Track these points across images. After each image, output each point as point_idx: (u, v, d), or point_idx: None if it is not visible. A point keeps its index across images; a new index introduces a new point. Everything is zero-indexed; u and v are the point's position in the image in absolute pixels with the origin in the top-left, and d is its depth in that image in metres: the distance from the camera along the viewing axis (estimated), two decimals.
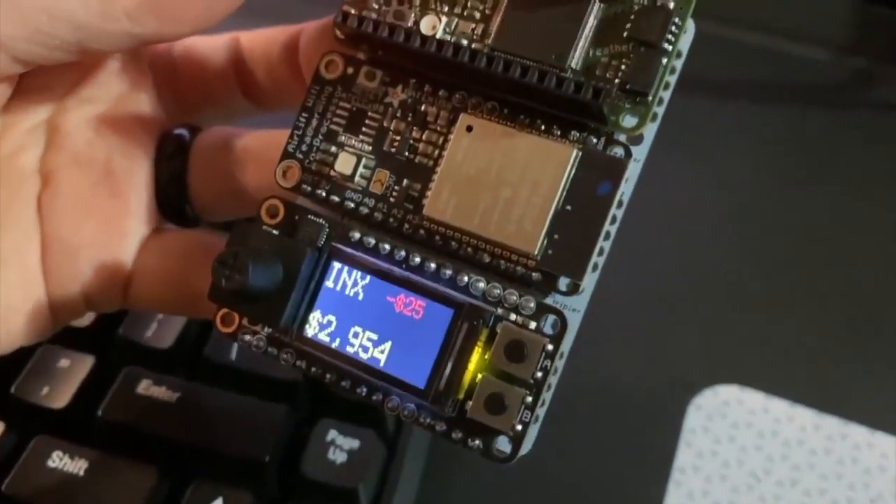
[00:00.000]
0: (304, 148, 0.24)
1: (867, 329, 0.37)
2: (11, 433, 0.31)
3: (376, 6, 0.24)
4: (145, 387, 0.31)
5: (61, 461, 0.30)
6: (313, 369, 0.23)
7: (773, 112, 0.43)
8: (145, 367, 0.32)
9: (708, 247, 0.39)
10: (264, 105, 0.31)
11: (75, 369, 0.32)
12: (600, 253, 0.22)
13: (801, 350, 0.37)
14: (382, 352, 0.22)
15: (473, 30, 0.23)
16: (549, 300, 0.22)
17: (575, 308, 0.23)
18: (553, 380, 0.22)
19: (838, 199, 0.40)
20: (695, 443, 0.35)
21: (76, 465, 0.30)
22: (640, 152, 0.23)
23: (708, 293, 0.38)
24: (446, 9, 0.23)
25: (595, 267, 0.22)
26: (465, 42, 0.23)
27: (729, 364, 0.36)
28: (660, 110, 0.23)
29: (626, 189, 0.22)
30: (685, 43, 0.23)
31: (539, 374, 0.21)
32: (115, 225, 0.27)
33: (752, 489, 0.35)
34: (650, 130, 0.23)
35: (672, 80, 0.23)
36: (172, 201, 0.29)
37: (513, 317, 0.22)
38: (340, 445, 0.31)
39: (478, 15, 0.23)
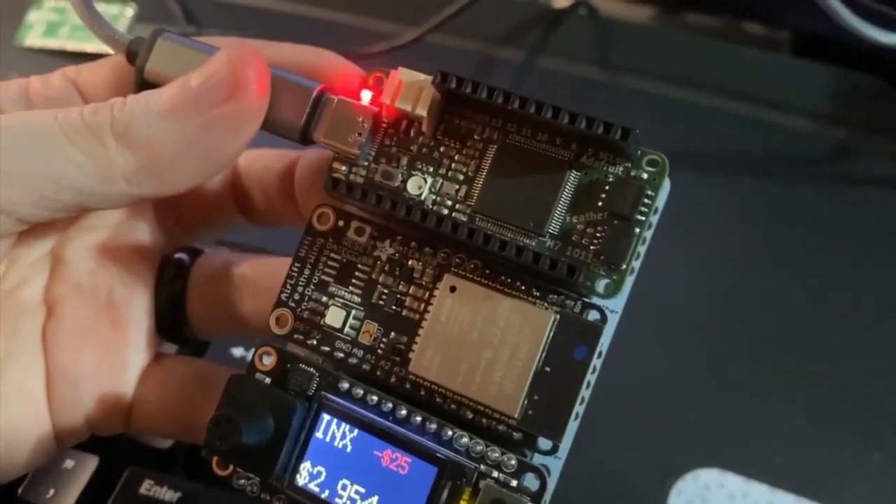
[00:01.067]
0: (296, 297, 0.25)
1: (848, 414, 0.37)
2: None
3: (365, 164, 0.25)
4: (147, 487, 0.32)
5: None
6: None
7: (755, 183, 0.43)
8: (147, 466, 0.33)
9: (690, 329, 0.40)
10: (260, 223, 0.31)
11: (80, 470, 0.33)
12: (581, 402, 0.23)
13: (782, 434, 0.37)
14: None
15: (457, 191, 0.24)
16: (530, 458, 0.23)
17: (557, 456, 0.24)
18: None
19: (822, 275, 0.40)
20: None
21: None
22: (617, 304, 0.24)
23: (690, 376, 0.39)
24: (431, 169, 0.24)
25: (576, 416, 0.23)
26: (448, 203, 0.24)
27: (710, 448, 0.37)
28: (637, 264, 0.24)
29: (605, 340, 0.23)
30: (662, 200, 0.24)
31: None
32: (115, 356, 0.28)
33: None
34: (628, 283, 0.24)
35: (649, 234, 0.24)
36: (172, 325, 0.30)
37: (495, 474, 0.23)
38: None
39: (461, 177, 0.24)
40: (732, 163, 0.45)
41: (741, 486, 0.36)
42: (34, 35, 0.52)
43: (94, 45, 0.51)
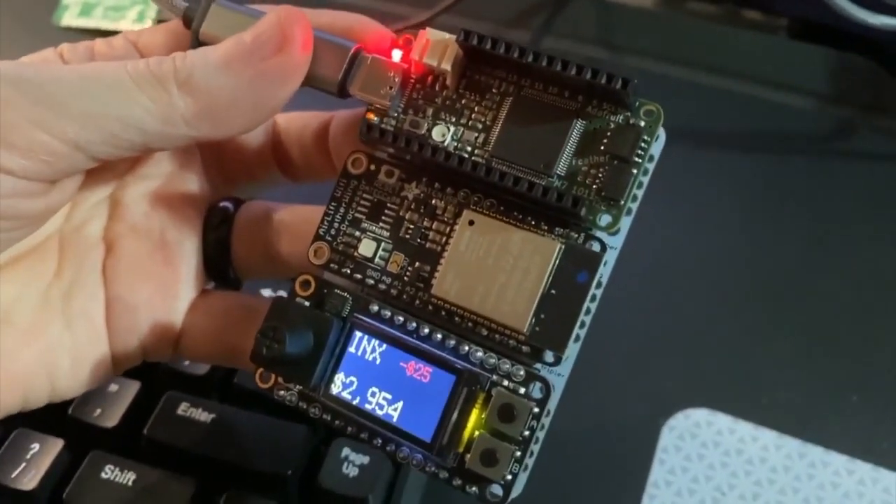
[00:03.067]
0: (332, 232, 0.28)
1: (830, 360, 0.40)
2: (69, 449, 0.35)
3: (395, 115, 0.28)
4: (184, 409, 0.35)
5: (112, 473, 0.34)
6: (337, 422, 0.27)
7: (753, 157, 0.46)
8: (184, 392, 0.36)
9: (684, 284, 0.42)
10: (298, 179, 0.34)
11: (123, 393, 0.36)
12: (581, 326, 0.26)
13: (767, 378, 0.40)
14: (395, 409, 0.26)
15: (476, 138, 0.27)
16: (537, 369, 0.26)
17: (560, 373, 0.27)
18: (541, 434, 0.26)
19: (811, 239, 0.43)
20: (667, 460, 0.39)
21: (125, 477, 0.34)
22: (616, 241, 0.27)
23: (684, 324, 0.41)
24: (454, 119, 0.28)
25: (577, 338, 0.26)
26: (468, 149, 0.27)
27: (700, 390, 0.40)
28: (634, 206, 0.27)
29: (605, 272, 0.26)
30: (657, 148, 0.27)
31: (527, 433, 0.25)
32: (167, 289, 0.31)
33: (718, 502, 0.39)
34: (626, 222, 0.27)
35: (645, 179, 0.27)
36: (217, 265, 0.32)
37: (505, 383, 0.26)
38: (353, 461, 0.35)
39: (480, 126, 0.27)
40: (731, 138, 0.47)
41: (728, 424, 0.39)
42: (70, 15, 0.55)
43: (126, 24, 0.54)
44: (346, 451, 0.35)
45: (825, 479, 0.39)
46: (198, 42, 0.29)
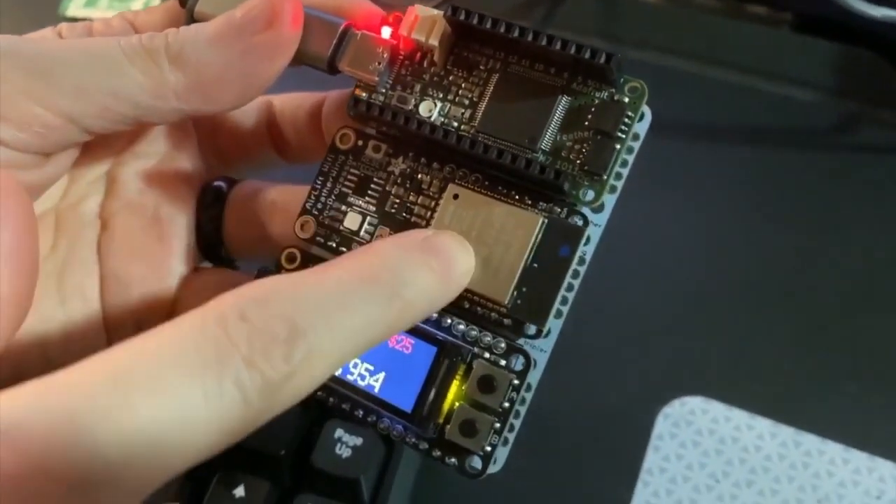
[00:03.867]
0: (319, 206, 0.29)
1: (827, 349, 0.40)
2: None
3: (383, 90, 0.28)
4: None
5: None
6: (319, 393, 0.27)
7: (755, 153, 0.46)
8: None
9: (681, 271, 0.42)
10: (292, 159, 0.34)
11: None
12: (563, 302, 0.26)
13: (762, 366, 0.39)
14: (377, 380, 0.26)
15: (463, 114, 0.27)
16: (518, 342, 0.26)
17: (542, 348, 0.27)
18: (521, 409, 0.26)
19: (810, 228, 0.43)
20: (662, 447, 0.39)
21: None
22: (600, 219, 0.27)
23: (680, 311, 0.41)
24: (441, 95, 0.28)
25: (559, 314, 0.26)
26: (455, 124, 0.27)
27: (696, 378, 0.39)
28: (619, 183, 0.27)
29: (588, 249, 0.26)
30: (642, 127, 0.27)
31: (506, 405, 0.25)
32: (161, 264, 0.31)
33: (712, 489, 0.38)
34: (609, 200, 0.27)
35: (630, 157, 0.27)
36: (210, 243, 0.32)
37: (486, 355, 0.26)
38: (346, 442, 0.35)
39: (466, 102, 0.28)
40: (734, 131, 0.47)
41: (723, 411, 0.39)
42: (76, 5, 0.56)
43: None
44: (339, 431, 0.35)
45: (820, 467, 0.38)
46: (192, 20, 0.29)
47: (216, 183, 0.33)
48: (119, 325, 0.31)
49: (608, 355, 0.40)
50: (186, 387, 0.19)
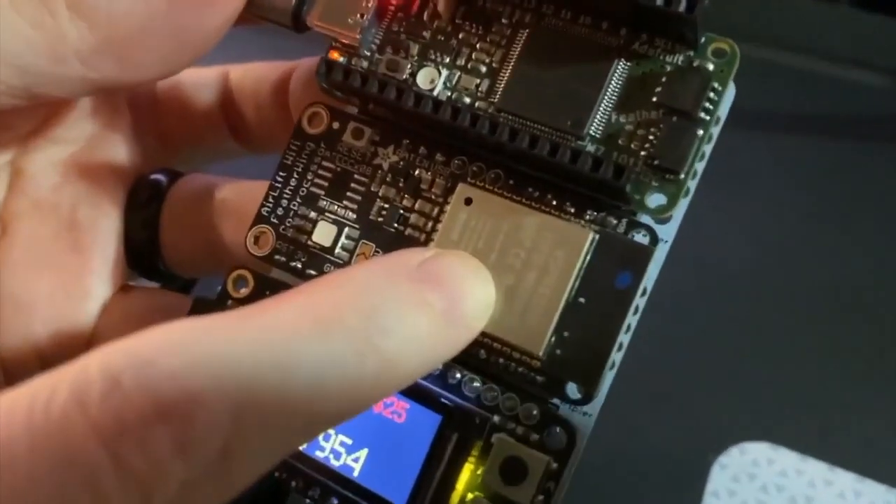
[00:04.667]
0: (279, 212, 0.21)
1: None
2: None
3: (367, 53, 0.21)
4: None
5: None
6: (276, 473, 0.20)
7: (815, 144, 0.41)
8: None
9: (739, 293, 0.37)
10: (253, 147, 0.29)
11: None
12: (619, 348, 0.19)
13: (839, 408, 0.35)
14: (357, 460, 0.20)
15: (478, 86, 0.20)
16: (556, 406, 0.19)
17: (587, 412, 0.20)
18: (559, 498, 0.19)
19: (881, 239, 0.38)
20: None
21: None
22: (667, 231, 0.20)
23: (739, 338, 0.36)
24: (447, 60, 0.21)
25: (612, 365, 0.19)
26: (466, 100, 0.20)
27: (758, 420, 0.34)
28: (693, 184, 0.20)
29: (651, 274, 0.19)
30: (725, 106, 0.20)
31: (540, 498, 0.18)
32: (74, 283, 0.25)
33: None
34: (681, 206, 0.20)
35: (708, 149, 0.20)
36: (143, 253, 0.27)
37: (511, 427, 0.19)
38: None
39: (483, 69, 0.20)
40: (790, 119, 0.42)
41: (795, 462, 0.34)
42: None
43: None
44: None
45: None
46: None
47: (153, 176, 0.28)
48: (19, 363, 0.25)
49: (651, 392, 0.35)
50: None
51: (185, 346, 0.15)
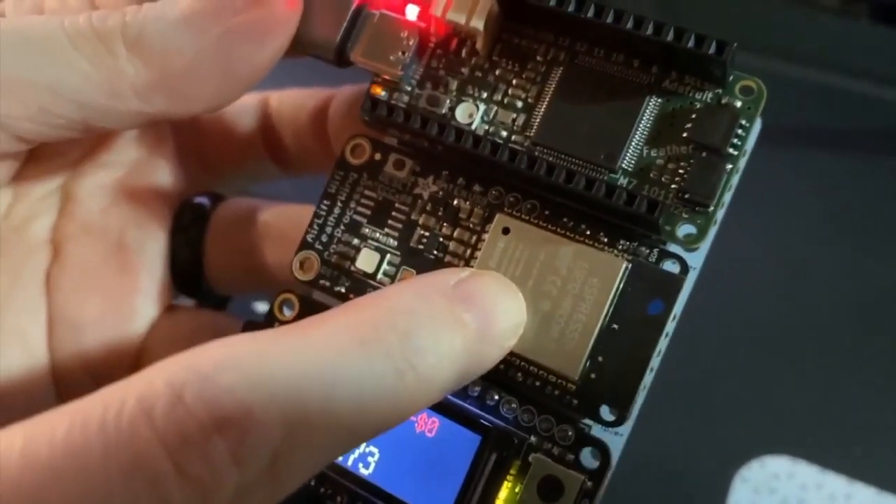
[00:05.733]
0: (324, 238, 0.22)
1: None
2: None
3: (409, 88, 0.22)
4: None
5: None
6: (314, 482, 0.21)
7: (835, 160, 0.41)
8: None
9: (762, 302, 0.37)
10: (291, 170, 0.29)
11: None
12: (650, 371, 0.20)
13: (861, 420, 0.34)
14: (390, 471, 0.20)
15: (514, 120, 0.21)
16: (590, 428, 0.20)
17: (619, 432, 0.20)
18: None
19: None
20: None
21: None
22: (696, 259, 0.21)
23: (759, 352, 0.36)
24: (485, 95, 0.21)
25: (644, 387, 0.20)
26: (503, 134, 0.21)
27: (780, 433, 0.34)
28: (720, 214, 0.20)
29: (681, 299, 0.20)
30: (751, 141, 0.20)
31: None
32: (123, 303, 0.26)
33: None
34: (709, 235, 0.20)
35: (735, 180, 0.20)
36: (187, 274, 0.27)
37: (548, 447, 0.20)
38: None
39: (520, 104, 0.21)
40: (810, 134, 0.42)
41: (815, 476, 0.33)
42: None
43: None
44: None
45: None
46: None
47: (197, 199, 0.28)
48: (71, 379, 0.26)
49: (672, 405, 0.35)
50: None
51: (242, 362, 0.16)
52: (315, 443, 0.16)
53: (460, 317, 0.18)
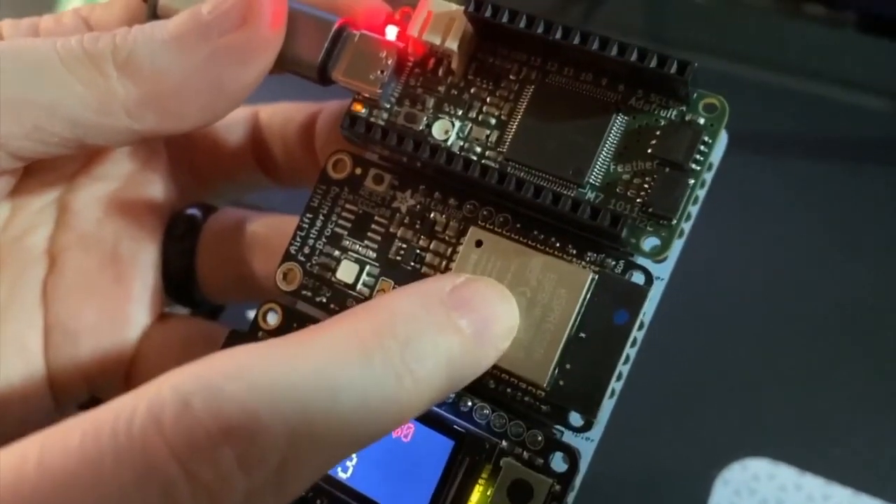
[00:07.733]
0: (306, 250, 0.23)
1: None
2: None
3: (387, 106, 0.22)
4: None
5: None
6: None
7: (818, 167, 0.41)
8: None
9: (742, 308, 0.37)
10: (281, 181, 0.30)
11: None
12: (619, 378, 0.21)
13: (839, 424, 0.35)
14: (365, 475, 0.21)
15: (488, 137, 0.22)
16: (560, 433, 0.21)
17: (589, 437, 0.21)
18: None
19: (886, 260, 0.38)
20: None
21: None
22: (663, 270, 0.21)
23: (740, 357, 0.37)
24: (460, 113, 0.22)
25: (612, 393, 0.21)
26: (477, 150, 0.22)
27: (760, 436, 0.34)
28: (687, 226, 0.21)
29: (648, 309, 0.21)
30: (717, 154, 0.21)
31: None
32: (117, 311, 0.27)
33: None
34: (676, 247, 0.21)
35: (702, 193, 0.21)
36: (180, 284, 0.28)
37: (518, 451, 0.20)
38: None
39: (493, 121, 0.22)
40: (794, 142, 0.42)
41: (794, 477, 0.34)
42: (75, 4, 0.52)
43: None
44: None
45: None
46: (154, 16, 0.24)
47: (189, 211, 0.29)
48: (67, 385, 0.26)
49: (654, 409, 0.35)
50: None
51: (247, 372, 0.17)
52: (320, 448, 0.17)
53: (456, 322, 0.19)
